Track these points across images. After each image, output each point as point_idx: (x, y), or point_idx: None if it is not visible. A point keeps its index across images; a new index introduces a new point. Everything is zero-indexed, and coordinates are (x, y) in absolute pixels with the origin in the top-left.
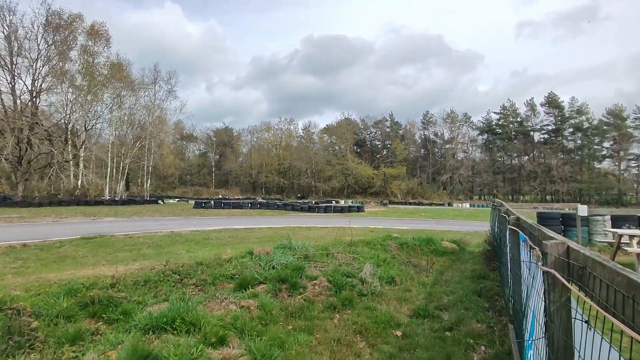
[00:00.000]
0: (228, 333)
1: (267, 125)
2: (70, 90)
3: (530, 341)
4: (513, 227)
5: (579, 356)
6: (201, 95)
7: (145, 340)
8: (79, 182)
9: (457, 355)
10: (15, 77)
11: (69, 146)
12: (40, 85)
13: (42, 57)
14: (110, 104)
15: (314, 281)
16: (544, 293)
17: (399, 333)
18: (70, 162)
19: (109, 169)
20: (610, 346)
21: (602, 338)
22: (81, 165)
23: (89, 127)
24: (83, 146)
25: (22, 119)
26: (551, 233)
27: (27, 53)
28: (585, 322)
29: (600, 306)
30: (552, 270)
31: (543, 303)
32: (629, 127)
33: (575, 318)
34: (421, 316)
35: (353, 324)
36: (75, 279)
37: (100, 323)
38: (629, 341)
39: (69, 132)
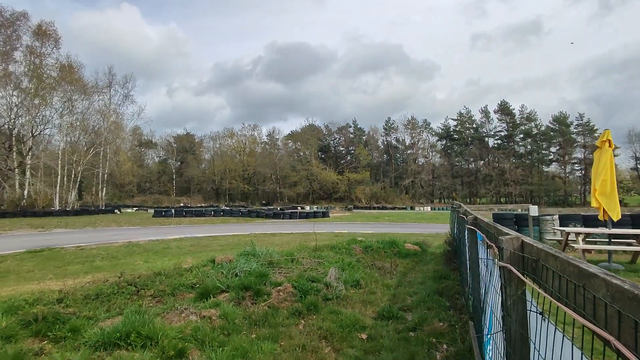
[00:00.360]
0: (188, 345)
1: (231, 131)
2: (15, 93)
3: (488, 336)
4: (471, 227)
5: (534, 347)
6: (161, 101)
7: (96, 358)
8: (25, 192)
9: (421, 355)
10: None
11: (14, 153)
12: None
13: None
14: (60, 108)
15: (279, 287)
16: (501, 288)
17: (364, 336)
18: (15, 170)
19: (59, 177)
20: (564, 336)
21: (555, 328)
22: (28, 173)
23: (37, 132)
24: (30, 153)
25: None
26: (506, 230)
27: None
28: (540, 313)
29: (554, 297)
30: (508, 265)
31: (500, 298)
32: (572, 133)
33: (530, 310)
34: (386, 318)
35: (318, 329)
36: (16, 295)
37: (45, 342)
38: (581, 330)
39: (13, 139)
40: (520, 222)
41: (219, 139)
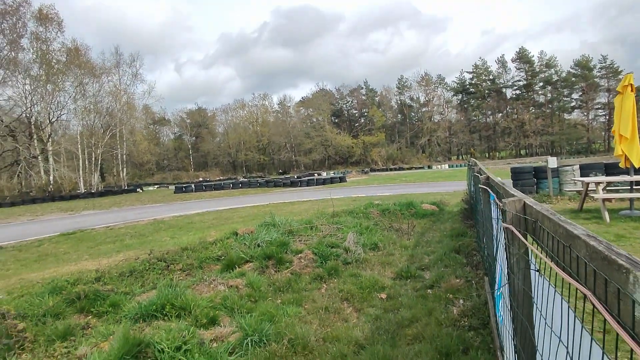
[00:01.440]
0: (218, 313)
1: (241, 102)
2: (27, 81)
3: (499, 292)
4: (483, 186)
5: (534, 301)
6: (170, 77)
7: (136, 329)
8: (51, 178)
9: (438, 310)
10: None
11: (35, 141)
12: None
13: None
14: (73, 93)
15: (300, 255)
16: (505, 247)
17: (383, 296)
18: (39, 157)
19: (80, 161)
20: (555, 291)
21: (549, 284)
22: (51, 159)
23: (54, 119)
24: (50, 139)
25: None
26: (512, 191)
27: None
28: (537, 270)
29: (548, 256)
30: (510, 226)
31: (505, 256)
32: (595, 77)
33: (529, 268)
34: (404, 277)
35: (339, 291)
36: (58, 276)
37: (90, 317)
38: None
39: (32, 126)
40: (539, 175)
41: (230, 111)
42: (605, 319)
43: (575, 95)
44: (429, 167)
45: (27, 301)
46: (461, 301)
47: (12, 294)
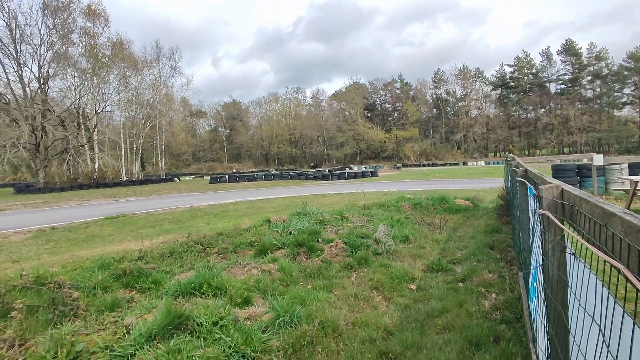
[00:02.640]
0: (252, 294)
1: (275, 95)
2: (76, 74)
3: (534, 285)
4: (521, 179)
5: (569, 286)
6: (207, 71)
7: (177, 304)
8: (96, 166)
9: (469, 303)
10: (22, 65)
11: (82, 130)
12: (47, 71)
13: (45, 43)
14: (117, 85)
15: (330, 244)
16: (541, 235)
17: (413, 286)
18: (85, 146)
19: (122, 150)
20: (590, 272)
21: (584, 267)
22: (96, 148)
23: (99, 110)
24: (95, 129)
25: (33, 106)
26: (550, 179)
27: (29, 39)
28: (572, 254)
29: (584, 238)
30: (547, 212)
31: (540, 244)
32: None
33: (565, 252)
34: (435, 270)
35: (369, 280)
36: (105, 254)
37: (134, 292)
38: (604, 265)
39: (80, 117)
40: (582, 173)
41: (264, 104)
42: (637, 290)
43: (627, 90)
44: (464, 163)
45: (79, 274)
46: (493, 295)
47: (65, 267)
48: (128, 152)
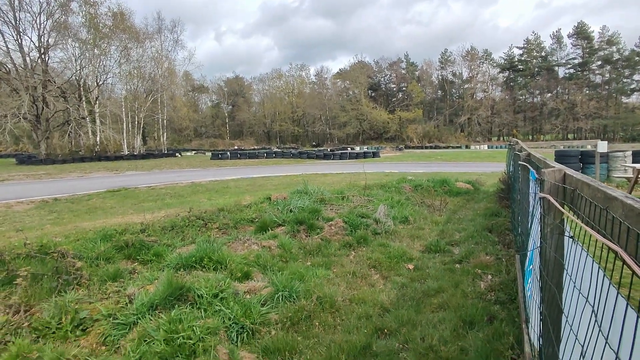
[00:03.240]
0: (252, 269)
1: (278, 72)
2: (76, 44)
3: (530, 267)
4: (523, 163)
5: (565, 268)
6: (210, 46)
7: (178, 276)
8: (98, 139)
9: (465, 283)
10: (21, 34)
11: (84, 102)
12: (47, 41)
13: (45, 11)
14: (118, 57)
15: (330, 222)
16: (540, 218)
17: (411, 266)
18: (87, 118)
19: (124, 124)
20: (587, 255)
21: (582, 249)
22: (97, 121)
23: (101, 82)
24: (97, 102)
25: (33, 77)
26: (553, 163)
27: (28, 7)
28: (571, 237)
29: (584, 222)
30: (548, 196)
31: (540, 227)
32: None
33: (563, 235)
34: (433, 251)
35: (367, 259)
36: (107, 226)
37: (136, 264)
38: (602, 249)
39: (81, 89)
40: (585, 160)
41: (267, 81)
42: (633, 272)
43: (637, 77)
44: (467, 147)
45: (81, 245)
46: (489, 277)
47: (68, 237)
48: (130, 125)
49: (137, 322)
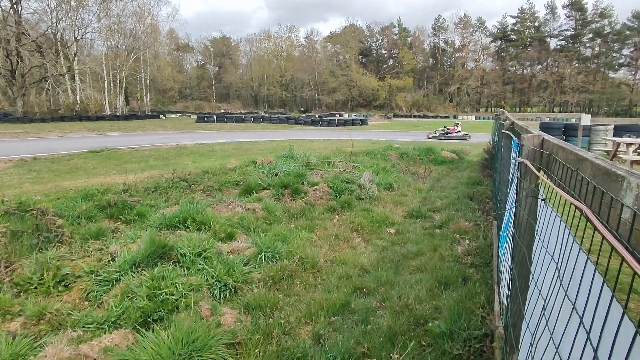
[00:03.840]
0: (236, 231)
1: (267, 33)
2: None
3: (505, 233)
4: (506, 131)
5: (536, 230)
6: (197, 3)
7: (161, 235)
8: (77, 97)
9: (443, 247)
10: None
11: (61, 58)
12: None
13: None
14: (97, 11)
15: (315, 187)
16: (517, 182)
17: (392, 230)
18: (65, 75)
19: (105, 83)
20: (556, 215)
21: (551, 210)
22: (77, 78)
23: (79, 37)
24: (76, 58)
25: (6, 28)
26: (533, 130)
27: None
28: (543, 200)
29: (556, 185)
30: (525, 160)
31: (516, 191)
32: None
33: (537, 197)
34: (414, 217)
35: (350, 223)
36: (89, 186)
37: (119, 223)
38: (574, 211)
39: (58, 43)
40: (569, 133)
41: (255, 42)
42: (595, 228)
43: (625, 51)
44: (455, 117)
45: (62, 204)
46: (467, 241)
47: (48, 196)
48: (111, 85)
49: (120, 279)
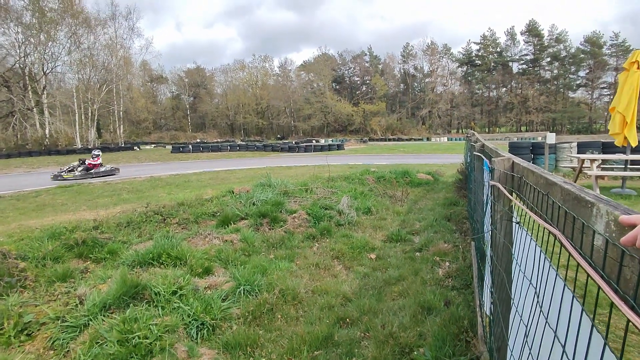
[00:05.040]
0: (213, 264)
1: (241, 63)
2: (20, 29)
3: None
4: (478, 153)
5: (513, 252)
6: (171, 35)
7: (134, 274)
8: (47, 131)
9: (424, 271)
10: None
11: (30, 92)
12: None
13: None
14: (67, 44)
15: (294, 214)
16: (491, 205)
17: (373, 256)
18: (34, 109)
19: (77, 115)
20: (531, 239)
21: (526, 233)
22: (46, 112)
23: (48, 70)
24: (45, 92)
25: None
26: (503, 153)
27: None
28: (517, 223)
29: (528, 208)
30: (497, 183)
31: (490, 214)
32: (604, 55)
33: (511, 221)
34: (394, 240)
35: (331, 250)
36: (56, 224)
37: (89, 262)
38: (544, 233)
39: (26, 77)
40: (536, 151)
41: (230, 72)
42: (569, 254)
43: (581, 73)
44: (428, 139)
45: (27, 244)
46: (447, 263)
47: (12, 237)
48: (83, 117)
49: (89, 324)
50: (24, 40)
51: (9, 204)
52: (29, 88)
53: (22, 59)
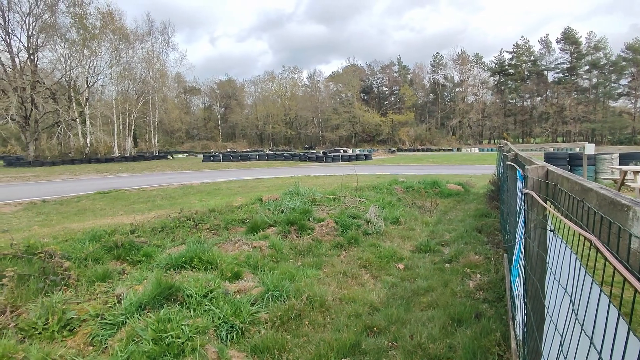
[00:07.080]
0: (242, 269)
1: (271, 74)
2: (66, 45)
3: (517, 267)
4: (511, 163)
5: (547, 261)
6: (205, 49)
7: (168, 276)
8: (88, 140)
9: (454, 282)
10: (10, 34)
11: (74, 104)
12: (36, 41)
13: (33, 11)
14: (109, 58)
15: (321, 223)
16: (524, 214)
17: (401, 266)
18: (77, 120)
19: (115, 125)
20: (566, 246)
21: (561, 241)
22: (88, 123)
23: (91, 83)
24: (87, 103)
25: (22, 77)
26: (537, 161)
27: (17, 7)
28: (551, 231)
29: (563, 215)
30: (531, 192)
31: (524, 223)
32: None
33: (545, 229)
34: (423, 251)
35: (358, 259)
36: (96, 227)
37: (125, 264)
38: (580, 239)
39: (71, 90)
40: (574, 162)
41: (260, 84)
42: (605, 259)
43: (623, 81)
44: (458, 149)
45: (70, 246)
46: (478, 276)
47: (56, 238)
48: (120, 127)
49: (126, 322)
50: (69, 55)
51: (53, 208)
52: (73, 100)
53: (68, 72)
